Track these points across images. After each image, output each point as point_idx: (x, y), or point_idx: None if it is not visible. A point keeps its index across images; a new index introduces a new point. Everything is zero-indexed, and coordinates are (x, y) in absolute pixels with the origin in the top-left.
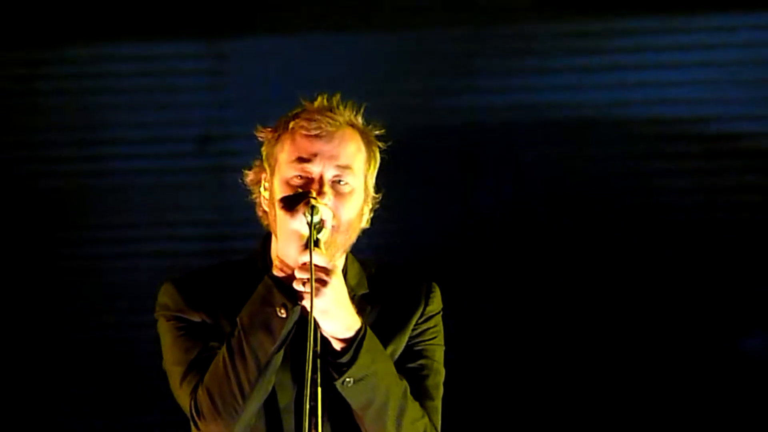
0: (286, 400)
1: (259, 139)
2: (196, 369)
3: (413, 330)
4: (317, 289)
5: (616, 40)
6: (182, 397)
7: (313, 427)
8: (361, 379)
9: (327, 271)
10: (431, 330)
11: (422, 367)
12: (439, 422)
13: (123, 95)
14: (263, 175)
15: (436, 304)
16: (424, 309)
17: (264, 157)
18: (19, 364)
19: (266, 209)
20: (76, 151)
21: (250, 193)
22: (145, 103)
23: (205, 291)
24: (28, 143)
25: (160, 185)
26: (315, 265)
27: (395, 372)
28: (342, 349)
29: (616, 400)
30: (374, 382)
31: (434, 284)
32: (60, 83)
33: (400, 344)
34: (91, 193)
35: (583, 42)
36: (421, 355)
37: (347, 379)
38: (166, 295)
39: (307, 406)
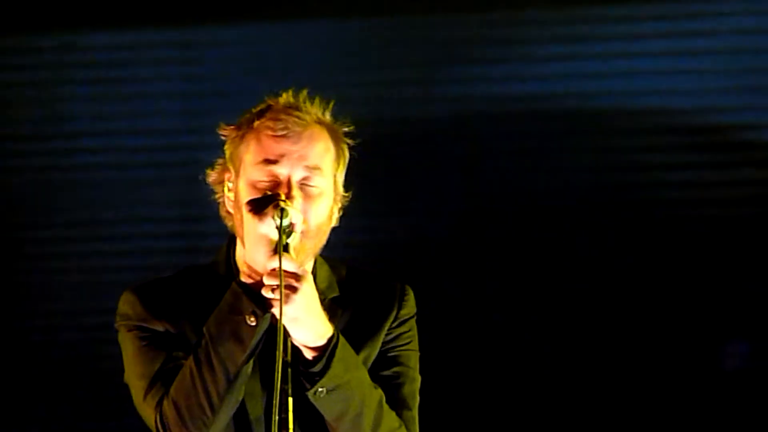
0: (257, 411)
1: (222, 137)
2: (160, 381)
3: (387, 334)
4: (287, 296)
5: (607, 26)
6: (147, 411)
7: None
8: (333, 389)
9: (297, 276)
10: (405, 335)
11: (397, 374)
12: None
13: (89, 86)
14: (227, 175)
15: (409, 307)
16: (398, 312)
17: (228, 157)
18: None
19: (230, 211)
20: (41, 145)
21: (214, 192)
22: (114, 94)
23: (168, 299)
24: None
25: (128, 180)
26: (285, 271)
27: (369, 380)
28: (314, 357)
29: (618, 402)
30: (347, 392)
31: (407, 287)
32: (24, 74)
33: (374, 350)
34: (57, 189)
35: (575, 29)
36: (395, 361)
37: (319, 389)
38: (126, 304)
39: (276, 417)
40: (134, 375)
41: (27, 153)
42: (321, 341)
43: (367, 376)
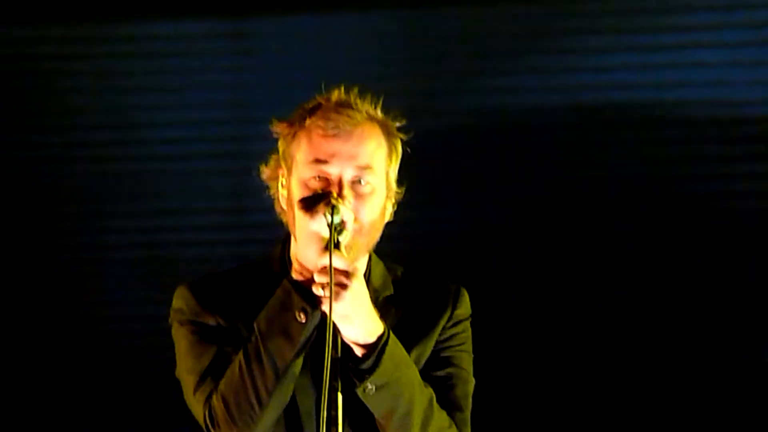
0: (307, 406)
1: (274, 135)
2: (210, 376)
3: (440, 335)
4: (337, 294)
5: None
6: (196, 406)
7: None
8: (383, 387)
9: (348, 274)
10: (459, 335)
11: (450, 375)
12: None
13: (144, 76)
14: (280, 172)
15: (464, 308)
16: (452, 313)
17: (280, 154)
18: (21, 360)
19: (284, 207)
20: (98, 135)
21: (268, 188)
22: (167, 85)
23: (221, 294)
24: (40, 126)
25: (182, 171)
26: (335, 269)
27: (420, 379)
28: (363, 355)
29: (634, 405)
30: (397, 390)
31: (462, 288)
32: (83, 64)
33: (426, 349)
34: (111, 179)
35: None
36: (448, 362)
37: (369, 386)
38: (180, 299)
39: (325, 414)
40: (185, 370)
41: (84, 143)
42: (371, 339)
43: (417, 375)
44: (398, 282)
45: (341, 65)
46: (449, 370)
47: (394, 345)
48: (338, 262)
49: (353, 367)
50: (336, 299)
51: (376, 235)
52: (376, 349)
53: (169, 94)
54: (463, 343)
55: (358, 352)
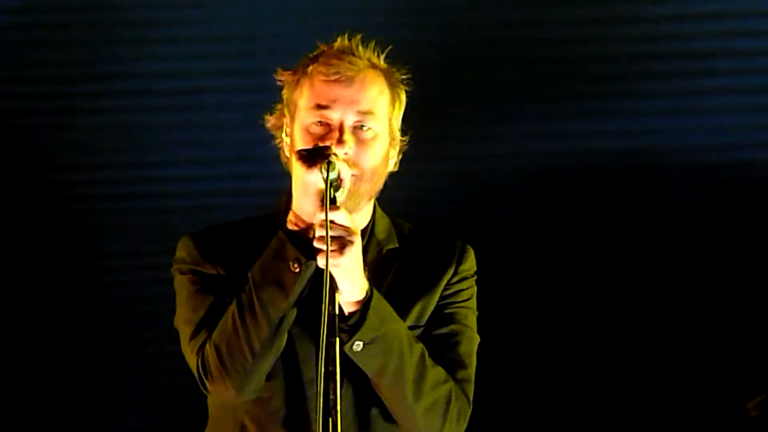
0: (305, 356)
1: (278, 82)
2: (205, 326)
3: (444, 289)
4: (342, 249)
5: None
6: (190, 355)
7: (331, 391)
8: (370, 342)
9: (350, 231)
10: (464, 291)
11: (454, 333)
12: (472, 393)
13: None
14: (284, 120)
15: (469, 264)
16: (457, 268)
17: (284, 102)
18: (19, 311)
19: (288, 156)
20: (97, 86)
21: (274, 138)
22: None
23: (224, 245)
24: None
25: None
26: (340, 225)
27: (409, 334)
28: (350, 313)
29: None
30: (384, 345)
31: (468, 246)
32: (80, 15)
33: (430, 304)
34: (113, 130)
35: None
36: (452, 319)
37: (356, 343)
38: (182, 249)
39: (322, 369)
40: (183, 320)
41: (78, 95)
42: (361, 295)
43: (406, 331)
44: (404, 237)
45: (354, 15)
46: (453, 326)
47: (379, 300)
48: (342, 218)
49: (340, 324)
50: (341, 254)
51: (379, 182)
52: (360, 304)
53: (177, 44)
54: (467, 299)
55: (347, 309)
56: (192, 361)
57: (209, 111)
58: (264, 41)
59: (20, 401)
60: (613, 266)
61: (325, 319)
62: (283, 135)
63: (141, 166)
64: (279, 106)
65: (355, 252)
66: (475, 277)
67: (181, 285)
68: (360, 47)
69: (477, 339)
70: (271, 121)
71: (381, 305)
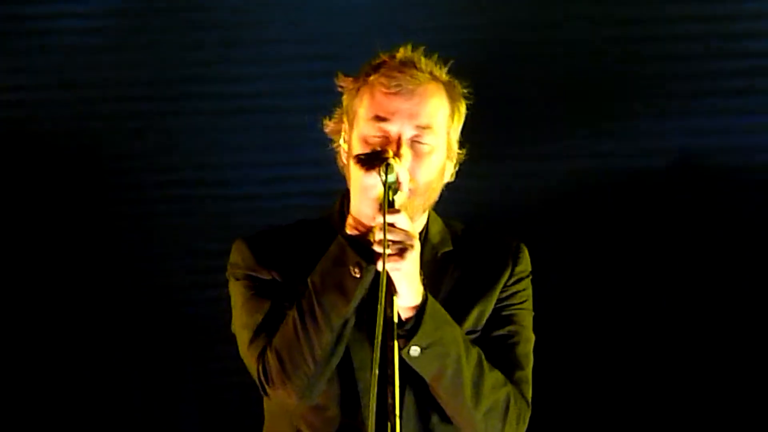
0: (360, 363)
1: (339, 88)
2: (264, 332)
3: (502, 292)
4: (403, 252)
5: None
6: (250, 360)
7: (389, 395)
8: (427, 347)
9: (410, 235)
10: (521, 293)
11: (511, 334)
12: (530, 394)
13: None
14: (343, 126)
15: (525, 264)
16: (513, 269)
17: (344, 108)
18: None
19: (345, 162)
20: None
21: (331, 142)
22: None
23: (278, 249)
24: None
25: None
26: (400, 228)
27: (466, 339)
28: (406, 318)
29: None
30: (441, 350)
31: (523, 245)
32: (172, 17)
33: (488, 306)
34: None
35: None
36: (509, 320)
37: (413, 348)
38: (237, 253)
39: (376, 371)
40: (240, 324)
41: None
42: (418, 300)
43: (462, 334)
44: (458, 239)
45: (416, 16)
46: (511, 328)
47: (433, 305)
48: (402, 221)
49: (397, 330)
50: (402, 258)
51: (433, 196)
52: (416, 309)
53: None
54: (524, 301)
55: (403, 315)
56: (252, 366)
57: (296, 113)
58: (343, 42)
59: (85, 401)
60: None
61: (380, 322)
62: (341, 140)
63: (220, 167)
64: (338, 111)
65: (414, 256)
66: (530, 277)
67: (237, 290)
68: (423, 59)
69: (533, 339)
70: (329, 125)
71: (436, 310)
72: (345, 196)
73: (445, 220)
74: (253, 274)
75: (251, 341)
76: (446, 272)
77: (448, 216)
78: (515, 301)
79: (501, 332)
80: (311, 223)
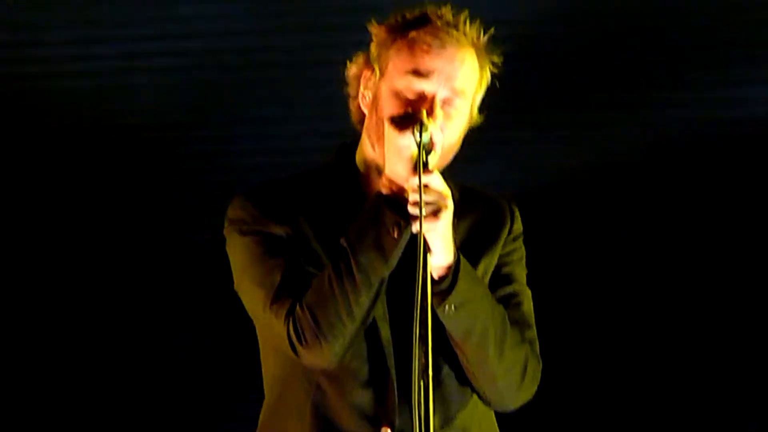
0: (386, 332)
1: (372, 35)
2: (288, 289)
3: (502, 248)
4: (437, 213)
5: None
6: (272, 319)
7: (422, 355)
8: (461, 305)
9: (444, 195)
10: (518, 250)
11: (516, 293)
12: (538, 351)
13: None
14: (366, 74)
15: (519, 224)
16: (511, 227)
17: (373, 56)
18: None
19: (364, 110)
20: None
21: (346, 84)
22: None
23: (283, 203)
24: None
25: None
26: (435, 189)
27: (491, 296)
28: (440, 276)
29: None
30: (474, 307)
31: (515, 205)
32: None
33: (491, 263)
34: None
35: None
36: (511, 279)
37: (447, 307)
38: (239, 209)
39: (417, 331)
40: (253, 282)
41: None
42: (451, 259)
43: (489, 292)
44: (458, 198)
45: None
46: (514, 287)
47: (465, 263)
48: (436, 181)
49: (432, 288)
50: (437, 218)
51: (450, 158)
52: (451, 268)
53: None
54: (521, 258)
55: (435, 274)
56: (276, 324)
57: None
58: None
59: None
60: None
61: (419, 282)
62: (362, 88)
63: None
64: (361, 57)
65: (448, 216)
66: (522, 237)
67: (243, 246)
68: (468, 23)
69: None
70: (352, 69)
71: (468, 269)
72: (342, 146)
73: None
74: (262, 228)
75: (273, 300)
76: (456, 231)
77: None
78: (514, 258)
79: (506, 291)
80: (309, 175)
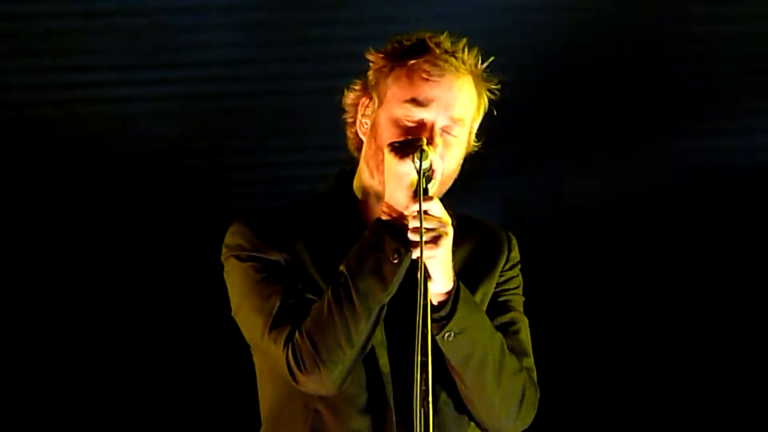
0: (384, 360)
1: (370, 62)
2: (286, 316)
3: (500, 276)
4: (437, 240)
5: None
6: (270, 345)
7: (423, 381)
8: (460, 332)
9: (444, 222)
10: (515, 279)
11: (513, 321)
12: (536, 379)
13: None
14: (364, 101)
15: (516, 252)
16: (509, 255)
17: (371, 83)
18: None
19: (362, 137)
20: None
21: (344, 111)
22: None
23: (281, 230)
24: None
25: None
26: (434, 216)
27: (490, 324)
28: (439, 303)
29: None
30: (473, 335)
31: (512, 234)
32: None
33: (488, 290)
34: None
35: None
36: (509, 307)
37: (447, 333)
38: (238, 235)
39: (419, 359)
40: (252, 309)
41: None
42: (451, 286)
43: (488, 320)
44: (455, 226)
45: None
46: (512, 315)
47: (465, 290)
48: (436, 208)
49: (432, 314)
50: (437, 245)
51: (449, 184)
52: (450, 294)
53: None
54: (519, 287)
55: (435, 300)
56: (274, 351)
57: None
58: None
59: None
60: None
61: (420, 309)
62: (359, 115)
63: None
64: (359, 84)
65: (448, 243)
66: (520, 265)
67: (242, 272)
68: (466, 51)
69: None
70: (350, 97)
71: (468, 296)
72: (342, 174)
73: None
74: (260, 255)
75: (272, 326)
76: (452, 256)
77: None
78: (512, 287)
79: (504, 319)
80: (307, 202)
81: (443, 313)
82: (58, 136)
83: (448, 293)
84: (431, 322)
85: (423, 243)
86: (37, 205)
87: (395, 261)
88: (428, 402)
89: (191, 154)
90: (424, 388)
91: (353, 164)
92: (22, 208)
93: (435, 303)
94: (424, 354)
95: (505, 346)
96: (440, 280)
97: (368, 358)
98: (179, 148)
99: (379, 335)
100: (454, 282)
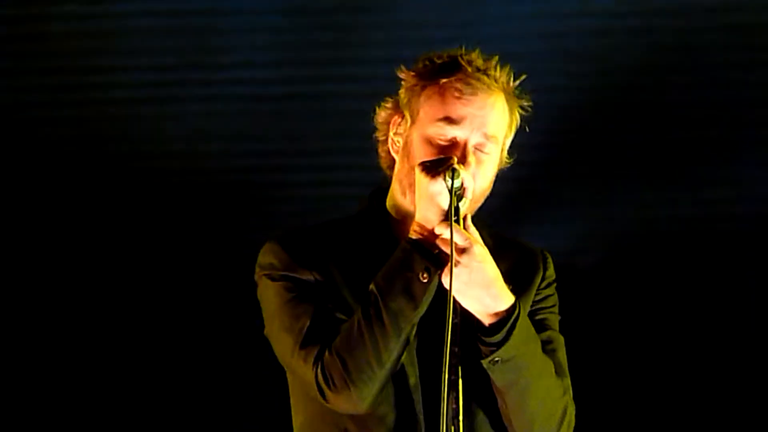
0: (414, 378)
1: (401, 81)
2: (315, 335)
3: (536, 295)
4: (455, 266)
5: None
6: (300, 364)
7: (453, 400)
8: (509, 360)
9: (462, 250)
10: (551, 297)
11: (550, 340)
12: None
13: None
14: (396, 119)
15: (552, 271)
16: (545, 273)
17: (403, 102)
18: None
19: (394, 155)
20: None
21: (375, 129)
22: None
23: (314, 249)
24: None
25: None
26: (466, 236)
27: (542, 354)
28: (491, 325)
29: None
30: (521, 363)
31: (547, 252)
32: None
33: (525, 308)
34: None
35: None
36: (546, 326)
37: (495, 359)
38: (270, 254)
39: (446, 377)
40: (282, 328)
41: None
42: (495, 310)
43: (540, 348)
44: (491, 245)
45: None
46: (549, 333)
47: (524, 319)
48: (456, 237)
49: (481, 338)
50: (463, 263)
51: (481, 201)
52: (507, 323)
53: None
54: (555, 305)
55: (486, 321)
56: (304, 369)
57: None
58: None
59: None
60: None
61: (449, 328)
62: (391, 132)
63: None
64: (389, 102)
65: (464, 273)
66: (556, 284)
67: (273, 292)
68: (498, 68)
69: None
70: (381, 115)
71: (526, 323)
72: (376, 193)
73: (478, 225)
74: (292, 274)
75: (302, 345)
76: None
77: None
78: (548, 305)
79: (540, 338)
80: (342, 222)
81: (495, 339)
82: (91, 137)
83: (502, 318)
84: (482, 346)
85: (453, 262)
86: (71, 207)
87: (425, 280)
88: (458, 421)
89: (242, 156)
90: (454, 407)
91: (386, 182)
92: (55, 210)
93: (486, 324)
94: (455, 373)
95: (554, 373)
96: (467, 305)
97: (398, 377)
98: (230, 150)
99: (410, 354)
100: (511, 308)
